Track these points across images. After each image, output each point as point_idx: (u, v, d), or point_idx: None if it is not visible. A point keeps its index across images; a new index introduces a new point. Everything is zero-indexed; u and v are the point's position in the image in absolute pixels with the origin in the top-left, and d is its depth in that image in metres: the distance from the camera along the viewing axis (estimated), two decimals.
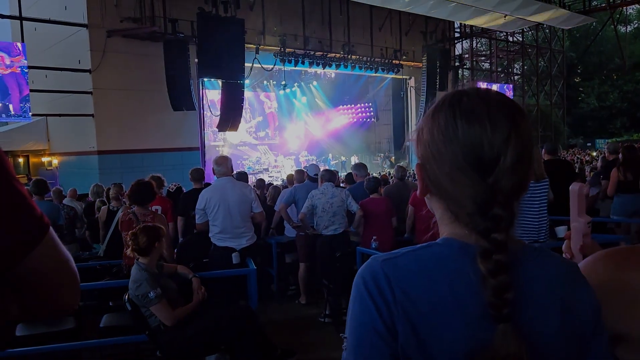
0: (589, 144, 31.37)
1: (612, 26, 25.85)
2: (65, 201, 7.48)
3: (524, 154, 0.84)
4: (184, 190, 6.92)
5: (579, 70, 37.07)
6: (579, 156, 20.24)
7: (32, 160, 16.33)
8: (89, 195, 7.98)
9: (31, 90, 12.84)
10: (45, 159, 16.11)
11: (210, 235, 4.98)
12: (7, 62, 12.17)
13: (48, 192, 6.49)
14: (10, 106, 12.42)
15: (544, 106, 30.07)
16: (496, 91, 0.90)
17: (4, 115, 12.62)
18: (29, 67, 12.68)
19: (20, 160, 16.23)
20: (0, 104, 12.23)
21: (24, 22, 13.11)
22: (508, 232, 0.82)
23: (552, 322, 0.83)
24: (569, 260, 1.00)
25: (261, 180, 9.43)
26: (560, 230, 4.74)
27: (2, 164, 0.66)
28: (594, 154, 22.16)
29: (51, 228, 0.70)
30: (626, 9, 30.47)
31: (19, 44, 12.56)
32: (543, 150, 6.30)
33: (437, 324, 0.80)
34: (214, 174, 5.17)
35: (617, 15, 25.86)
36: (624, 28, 35.64)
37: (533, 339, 0.81)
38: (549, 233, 4.66)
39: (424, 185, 0.91)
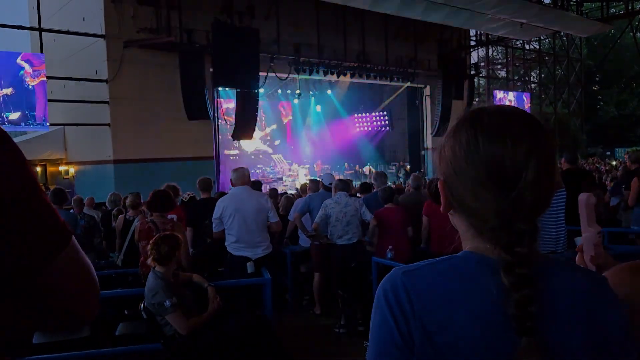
0: (608, 153, 30.87)
1: (631, 34, 25.55)
2: (84, 210, 7.57)
3: (545, 169, 0.85)
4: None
5: (597, 79, 36.64)
6: (598, 165, 19.93)
7: (50, 169, 16.52)
8: (106, 204, 8.05)
9: (49, 100, 13.05)
10: (62, 168, 16.30)
11: (226, 244, 4.98)
12: (30, 70, 12.38)
13: (66, 201, 6.56)
14: (35, 115, 12.63)
15: (562, 114, 29.72)
16: (516, 107, 0.92)
17: (23, 124, 12.81)
18: (48, 78, 12.91)
19: (38, 169, 16.43)
20: (20, 112, 12.42)
21: (43, 33, 13.34)
22: (531, 246, 0.82)
23: (576, 336, 0.82)
24: (596, 274, 0.98)
25: (274, 190, 9.40)
26: (579, 241, 4.65)
27: (30, 174, 0.69)
28: (614, 162, 21.80)
29: (73, 236, 0.73)
30: None
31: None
32: (562, 159, 6.22)
33: (455, 337, 0.81)
34: (231, 183, 5.18)
35: (636, 23, 25.59)
36: None
37: (556, 354, 0.81)
38: (567, 243, 4.59)
39: (447, 202, 0.93)
